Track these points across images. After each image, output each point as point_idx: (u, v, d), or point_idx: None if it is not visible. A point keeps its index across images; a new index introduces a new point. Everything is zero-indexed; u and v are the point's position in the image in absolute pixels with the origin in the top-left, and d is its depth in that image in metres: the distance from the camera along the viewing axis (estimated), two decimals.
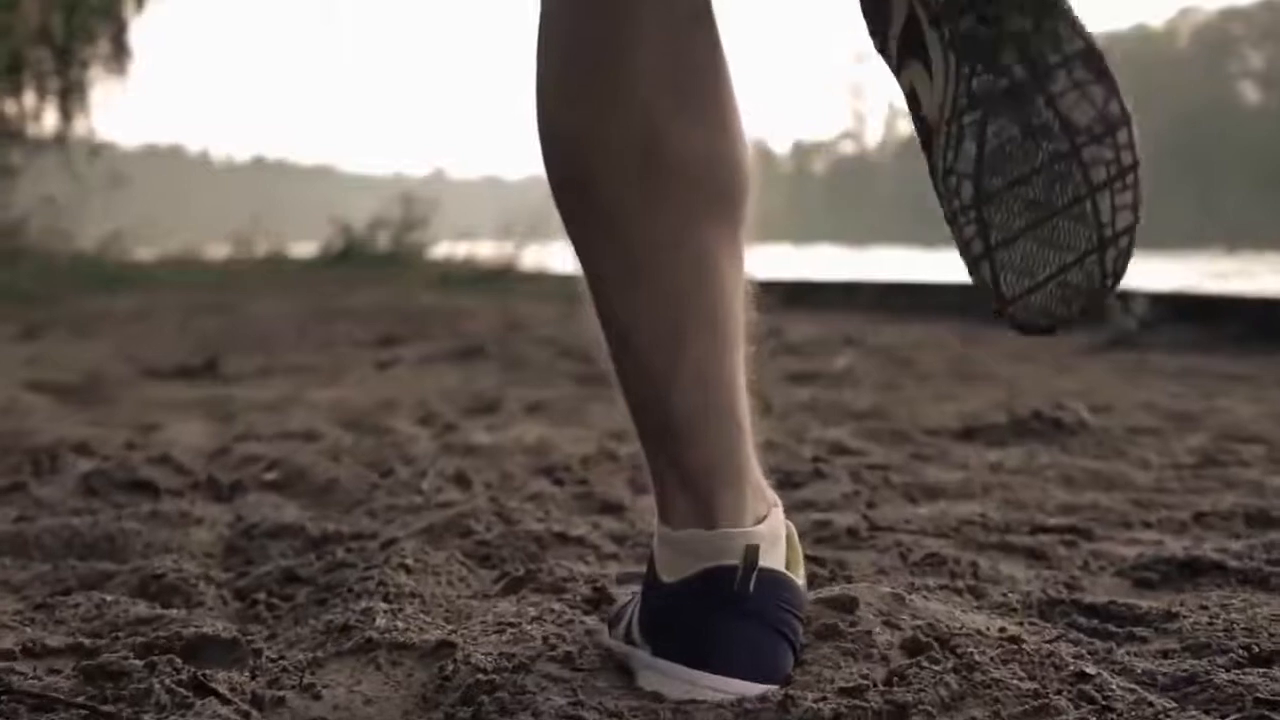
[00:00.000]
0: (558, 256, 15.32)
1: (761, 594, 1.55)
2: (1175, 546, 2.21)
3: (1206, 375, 5.42)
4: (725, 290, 1.60)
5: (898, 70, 1.60)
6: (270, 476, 2.83)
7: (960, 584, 1.94)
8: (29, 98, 20.15)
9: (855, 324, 8.14)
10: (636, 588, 1.79)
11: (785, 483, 2.69)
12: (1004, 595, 1.89)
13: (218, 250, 19.48)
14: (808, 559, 1.78)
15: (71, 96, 20.08)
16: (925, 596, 1.81)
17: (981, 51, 1.53)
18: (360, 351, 6.54)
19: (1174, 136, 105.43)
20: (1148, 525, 2.43)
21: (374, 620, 1.69)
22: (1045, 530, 2.34)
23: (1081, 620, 1.79)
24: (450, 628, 1.71)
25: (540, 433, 3.47)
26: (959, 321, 8.22)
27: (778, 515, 1.63)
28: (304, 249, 18.90)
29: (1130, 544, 2.28)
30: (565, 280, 7.81)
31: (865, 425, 3.62)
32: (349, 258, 16.81)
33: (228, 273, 15.06)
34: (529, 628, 1.68)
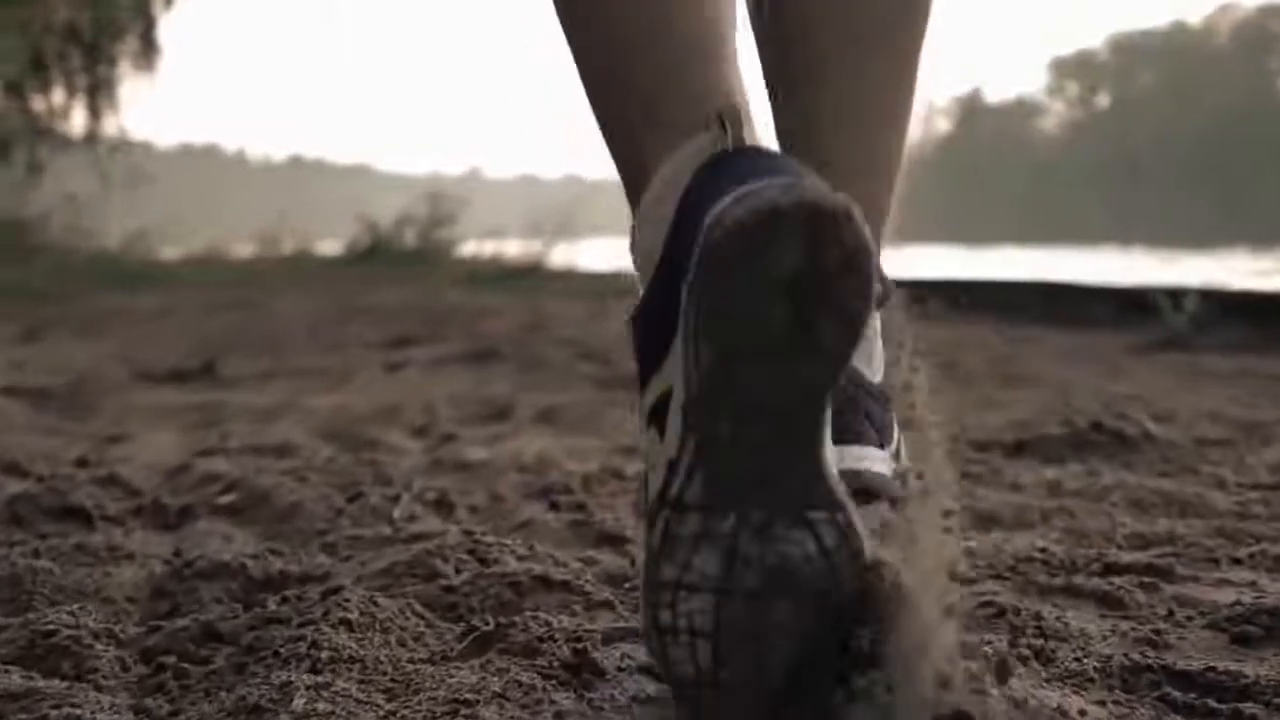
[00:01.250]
0: (587, 254, 15.03)
1: (755, 151, 1.27)
2: (1276, 591, 1.85)
3: (1267, 379, 5.04)
4: None
5: None
6: (226, 500, 2.48)
7: (1024, 644, 1.59)
8: (58, 95, 20.01)
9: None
10: (628, 646, 1.48)
11: None
12: (1078, 659, 1.54)
13: (245, 249, 19.26)
14: None
15: (100, 94, 19.91)
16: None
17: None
18: (371, 353, 6.20)
19: (1211, 134, 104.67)
20: (1237, 562, 2.06)
21: (291, 700, 1.34)
22: (1117, 570, 1.98)
23: (1176, 695, 1.44)
24: (388, 709, 1.36)
25: (544, 445, 3.13)
26: (1000, 320, 7.86)
27: None
28: (335, 247, 18.64)
29: (1220, 586, 1.92)
30: (594, 278, 7.47)
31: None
32: (375, 256, 16.50)
33: (251, 271, 14.75)
34: (486, 712, 1.34)
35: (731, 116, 1.27)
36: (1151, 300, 7.12)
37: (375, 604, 1.66)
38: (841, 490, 1.25)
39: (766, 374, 1.19)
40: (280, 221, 18.69)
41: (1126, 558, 2.03)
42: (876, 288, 1.21)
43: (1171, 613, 1.77)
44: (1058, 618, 1.70)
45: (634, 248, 1.38)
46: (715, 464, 1.23)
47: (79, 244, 15.29)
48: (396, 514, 2.26)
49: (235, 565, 1.93)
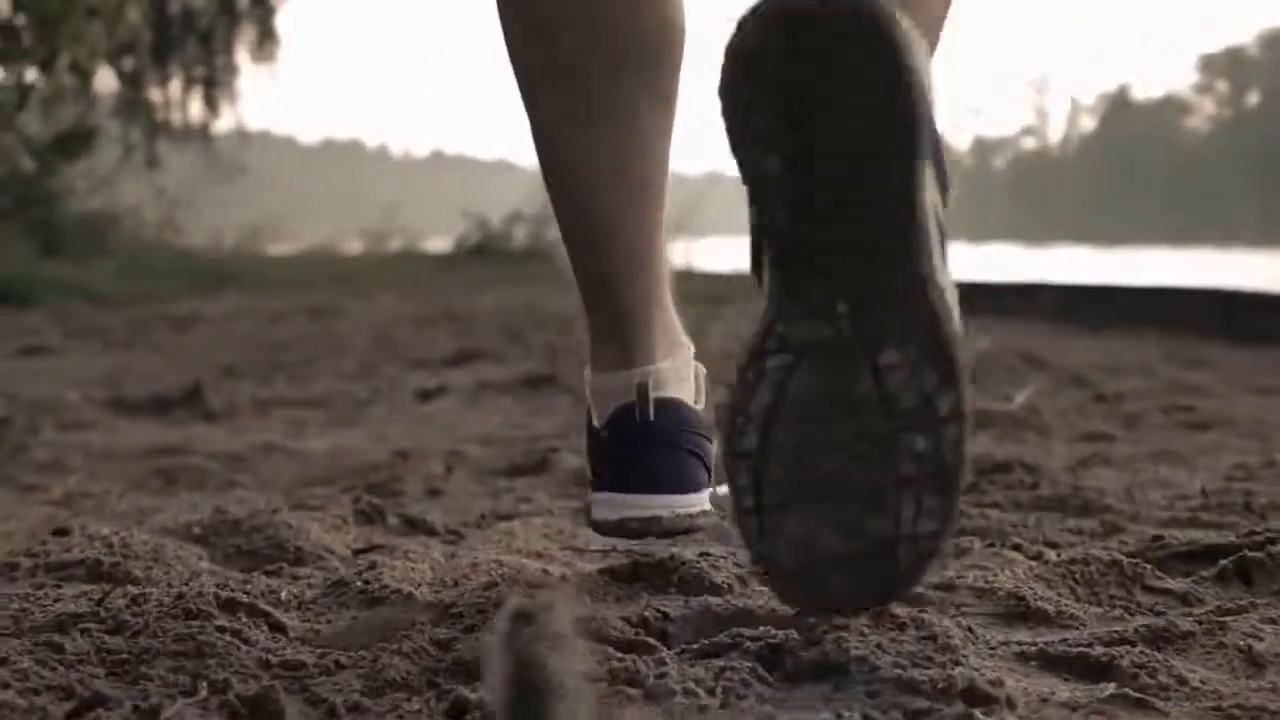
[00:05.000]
0: (708, 253, 14.00)
1: (664, 421, 1.79)
2: None
3: None
4: (653, 148, 1.80)
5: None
6: None
7: None
8: (175, 86, 19.52)
9: (1037, 336, 6.69)
10: None
11: None
12: None
13: (356, 246, 18.58)
14: None
15: (216, 85, 19.47)
16: None
17: (810, 291, 1.42)
18: (411, 375, 5.24)
19: None
20: None
21: None
22: None
23: None
24: None
25: (530, 553, 2.13)
26: (1161, 334, 6.77)
27: (684, 354, 1.87)
28: (448, 244, 17.84)
29: None
30: (711, 279, 6.43)
31: (1059, 538, 2.24)
32: (483, 254, 15.60)
33: (349, 271, 13.88)
34: None
35: (643, 392, 1.80)
36: None
37: None
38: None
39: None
40: (390, 218, 17.92)
41: None
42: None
43: None
44: None
45: (589, 400, 1.88)
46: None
47: (170, 240, 14.54)
48: None
49: None
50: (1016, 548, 2.03)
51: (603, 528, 1.83)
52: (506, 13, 1.76)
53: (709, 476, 1.84)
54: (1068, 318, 7.87)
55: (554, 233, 13.13)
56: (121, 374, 5.14)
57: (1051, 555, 1.98)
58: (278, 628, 1.67)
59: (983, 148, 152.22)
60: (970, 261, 14.43)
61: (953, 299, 1.46)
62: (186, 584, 1.78)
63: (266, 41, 19.62)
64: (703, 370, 1.89)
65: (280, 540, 2.14)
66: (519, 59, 1.77)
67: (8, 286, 9.12)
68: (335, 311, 8.91)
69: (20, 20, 12.95)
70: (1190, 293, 8.04)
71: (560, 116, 1.78)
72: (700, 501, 1.82)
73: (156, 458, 3.33)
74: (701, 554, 1.94)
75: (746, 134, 1.41)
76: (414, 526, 2.42)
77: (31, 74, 13.29)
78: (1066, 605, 1.76)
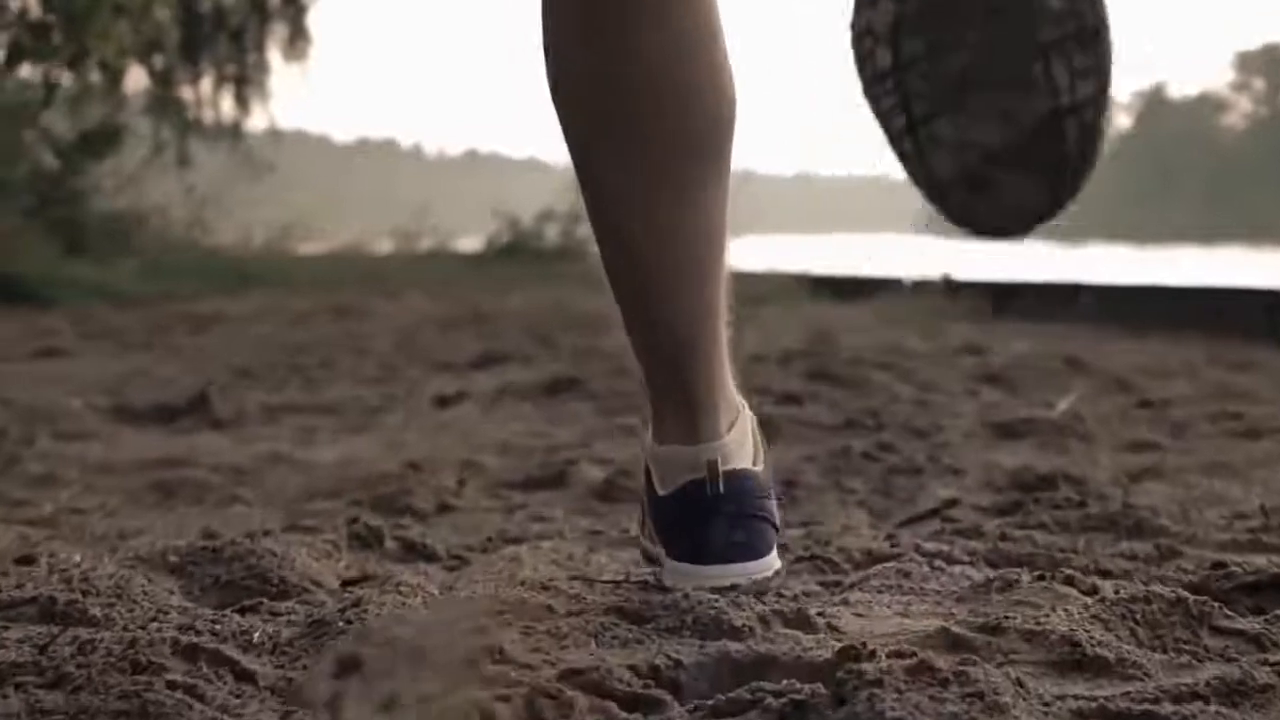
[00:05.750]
0: (741, 254, 13.76)
1: (732, 493, 1.79)
2: None
3: None
4: (712, 222, 1.74)
5: None
6: None
7: None
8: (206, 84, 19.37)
9: (1077, 338, 6.50)
10: None
11: None
12: None
13: (385, 245, 18.41)
14: None
15: (247, 83, 19.31)
16: None
17: None
18: (430, 378, 5.07)
19: None
20: None
21: None
22: None
23: None
24: None
25: (539, 584, 1.95)
26: (1204, 336, 6.55)
27: (743, 418, 1.85)
28: (478, 244, 17.65)
29: None
30: (745, 279, 6.22)
31: (1112, 564, 2.06)
32: (513, 253, 15.41)
33: (378, 270, 13.70)
34: None
35: (713, 470, 1.80)
36: None
37: None
38: None
39: None
40: (421, 217, 17.72)
41: None
42: None
43: None
44: None
45: (651, 467, 1.87)
46: None
47: (198, 239, 14.37)
48: None
49: None
50: (1069, 581, 1.83)
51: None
52: (561, 103, 1.75)
53: (777, 532, 1.86)
54: (1107, 319, 7.66)
55: (584, 230, 12.97)
56: (132, 378, 4.99)
57: (1108, 589, 1.79)
58: (244, 677, 1.49)
59: None
60: (1005, 259, 14.24)
61: None
62: (143, 627, 1.61)
63: (299, 40, 19.45)
64: (755, 421, 1.90)
65: (263, 570, 1.96)
66: (575, 147, 1.77)
67: (29, 286, 8.98)
68: (360, 312, 8.75)
69: (51, 19, 12.85)
70: (1233, 293, 7.83)
71: (615, 184, 1.75)
72: (772, 561, 1.83)
73: (156, 470, 3.18)
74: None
75: None
76: (413, 551, 2.26)
77: (61, 72, 13.18)
78: (1127, 651, 1.57)
